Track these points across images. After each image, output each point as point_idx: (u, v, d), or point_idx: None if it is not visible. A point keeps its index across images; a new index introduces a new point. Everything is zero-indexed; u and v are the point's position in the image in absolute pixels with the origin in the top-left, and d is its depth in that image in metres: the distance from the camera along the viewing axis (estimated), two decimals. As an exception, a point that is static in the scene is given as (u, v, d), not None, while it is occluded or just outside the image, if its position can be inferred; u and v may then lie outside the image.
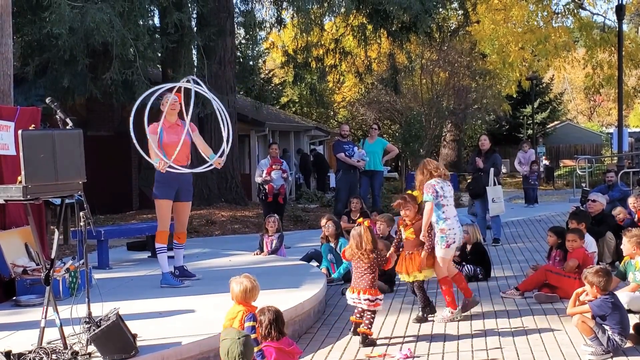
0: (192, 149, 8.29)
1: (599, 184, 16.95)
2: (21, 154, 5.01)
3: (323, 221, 9.79)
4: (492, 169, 12.12)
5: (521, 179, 21.69)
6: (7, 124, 7.40)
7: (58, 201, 5.61)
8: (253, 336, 5.03)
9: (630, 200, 10.79)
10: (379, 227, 9.31)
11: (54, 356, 5.00)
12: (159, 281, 8.17)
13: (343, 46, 23.50)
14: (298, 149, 28.00)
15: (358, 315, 6.58)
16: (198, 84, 7.66)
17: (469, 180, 15.54)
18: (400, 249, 7.25)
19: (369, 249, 6.44)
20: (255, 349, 5.02)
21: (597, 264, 9.03)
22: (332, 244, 9.53)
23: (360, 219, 6.94)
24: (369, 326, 6.46)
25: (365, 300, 6.42)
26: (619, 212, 10.57)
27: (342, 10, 19.08)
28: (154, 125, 7.89)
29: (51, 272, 5.33)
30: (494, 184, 12.13)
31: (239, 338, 4.62)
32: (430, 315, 7.24)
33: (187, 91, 7.63)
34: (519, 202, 20.70)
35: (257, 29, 19.86)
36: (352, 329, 6.70)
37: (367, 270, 6.46)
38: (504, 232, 13.09)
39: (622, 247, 7.51)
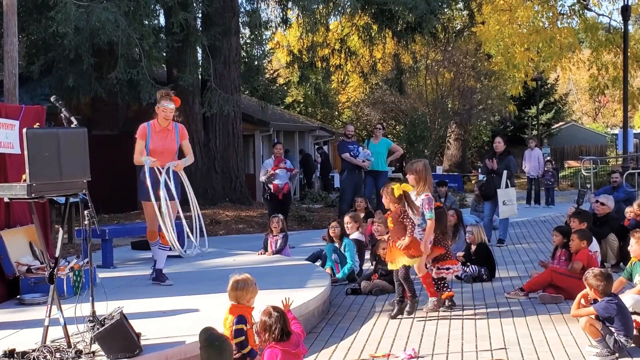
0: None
1: (603, 185, 16.89)
2: (26, 152, 5.00)
3: (334, 224, 9.84)
4: (505, 171, 12.01)
5: (525, 180, 21.65)
6: (12, 123, 7.39)
7: (62, 200, 5.60)
8: (241, 339, 5.00)
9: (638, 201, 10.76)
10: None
11: (57, 355, 4.99)
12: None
13: (348, 46, 23.47)
14: (300, 149, 28.01)
15: None
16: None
17: (474, 181, 15.47)
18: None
19: None
20: (245, 350, 5.00)
21: (602, 264, 9.02)
22: (336, 244, 9.55)
23: None
24: None
25: None
26: (630, 211, 10.54)
27: (348, 10, 19.06)
28: (143, 127, 7.75)
29: (55, 270, 5.33)
30: (507, 186, 12.02)
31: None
32: (407, 312, 7.23)
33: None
34: (521, 202, 20.62)
35: (263, 29, 19.83)
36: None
37: None
38: (508, 233, 13.04)
39: (629, 248, 7.46)
